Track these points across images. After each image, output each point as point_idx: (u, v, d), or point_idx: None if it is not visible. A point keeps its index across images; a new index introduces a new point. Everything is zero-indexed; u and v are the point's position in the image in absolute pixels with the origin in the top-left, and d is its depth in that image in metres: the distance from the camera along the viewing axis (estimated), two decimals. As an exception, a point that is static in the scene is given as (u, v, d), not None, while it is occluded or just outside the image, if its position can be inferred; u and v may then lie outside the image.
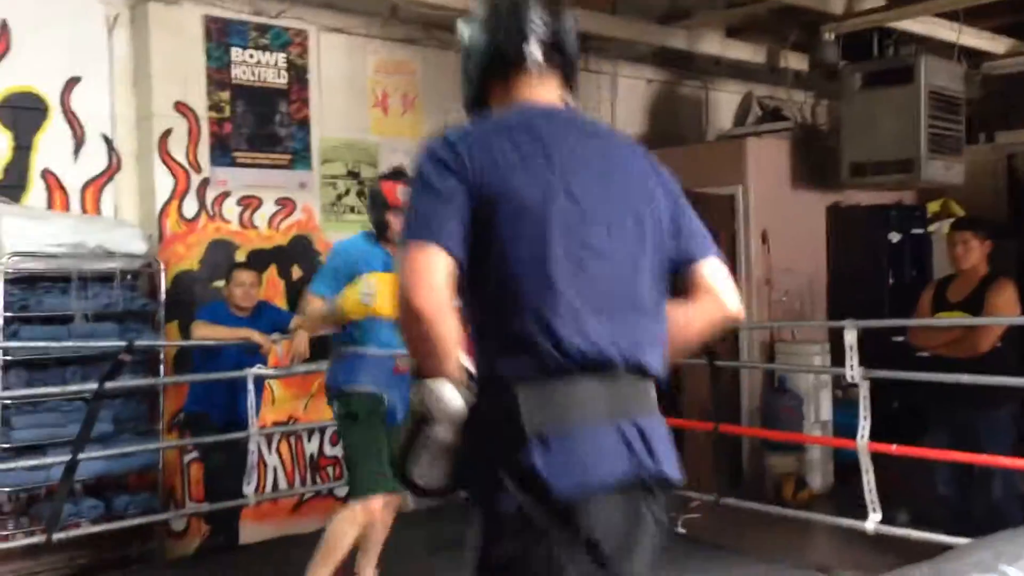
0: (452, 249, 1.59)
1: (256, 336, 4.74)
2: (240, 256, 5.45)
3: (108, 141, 5.19)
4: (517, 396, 1.58)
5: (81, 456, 4.07)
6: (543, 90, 1.79)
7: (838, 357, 6.11)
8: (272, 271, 5.61)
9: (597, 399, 1.61)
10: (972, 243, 4.69)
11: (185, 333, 5.08)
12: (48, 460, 4.29)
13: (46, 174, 4.98)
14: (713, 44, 7.04)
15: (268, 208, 5.65)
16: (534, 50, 1.76)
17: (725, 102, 7.95)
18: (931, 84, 6.54)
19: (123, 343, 4.29)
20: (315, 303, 3.60)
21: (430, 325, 1.55)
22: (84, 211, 5.08)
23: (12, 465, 4.23)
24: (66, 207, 5.03)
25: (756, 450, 6.76)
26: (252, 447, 4.68)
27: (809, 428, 6.60)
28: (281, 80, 5.71)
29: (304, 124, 5.81)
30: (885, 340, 6.00)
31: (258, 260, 5.49)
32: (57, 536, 4.11)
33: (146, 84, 5.22)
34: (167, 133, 5.23)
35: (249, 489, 4.66)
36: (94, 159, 5.13)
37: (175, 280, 5.21)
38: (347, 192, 6.03)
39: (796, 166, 7.18)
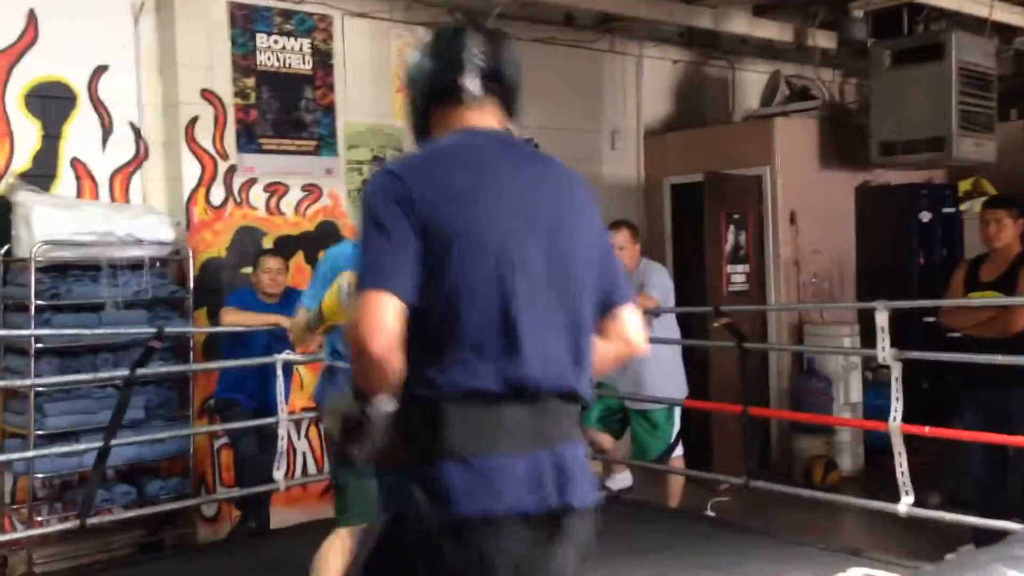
0: (404, 293, 1.66)
1: (285, 322, 4.77)
2: (267, 242, 5.48)
3: (136, 129, 5.21)
4: (444, 415, 1.65)
5: (113, 442, 4.11)
6: (482, 117, 1.85)
7: (867, 339, 6.08)
8: (299, 257, 5.63)
9: (521, 427, 1.68)
10: (1005, 221, 4.62)
11: (214, 320, 5.11)
12: (81, 446, 4.34)
13: (75, 163, 5.02)
14: (740, 23, 6.97)
15: (294, 194, 5.67)
16: (470, 81, 1.81)
17: (752, 82, 7.87)
18: (962, 60, 6.44)
19: (153, 330, 4.32)
20: (300, 313, 3.43)
21: (380, 365, 1.63)
22: (113, 199, 5.12)
23: (46, 452, 4.28)
24: (95, 195, 5.07)
25: (784, 433, 6.73)
26: (281, 432, 4.70)
27: (838, 410, 6.56)
28: (306, 66, 5.72)
29: (329, 110, 5.81)
30: (915, 321, 5.95)
31: (285, 246, 5.51)
32: (90, 521, 4.16)
33: (172, 72, 5.24)
34: (194, 120, 5.25)
35: (279, 474, 4.69)
36: (122, 147, 5.17)
37: (203, 267, 5.25)
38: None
39: (824, 146, 7.11)
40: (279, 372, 4.69)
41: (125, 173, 5.18)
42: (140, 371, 4.17)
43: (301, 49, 5.69)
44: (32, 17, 4.86)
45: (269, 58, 5.57)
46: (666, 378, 5.15)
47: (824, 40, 7.24)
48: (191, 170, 5.25)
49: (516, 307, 1.69)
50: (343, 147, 5.89)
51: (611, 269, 1.91)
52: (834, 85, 7.88)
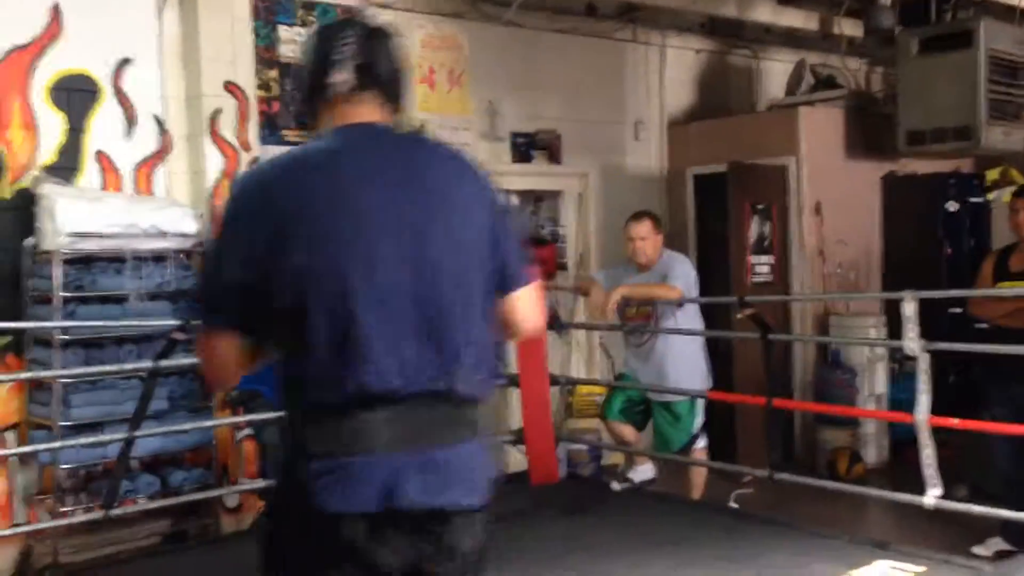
0: (240, 324, 1.77)
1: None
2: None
3: (159, 122, 5.24)
4: (304, 420, 1.73)
5: (137, 433, 4.13)
6: (360, 111, 1.86)
7: (893, 330, 6.02)
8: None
9: (383, 430, 1.70)
10: (1034, 211, 4.56)
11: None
12: (105, 437, 4.36)
13: (99, 155, 5.05)
14: (764, 11, 6.90)
15: (316, 186, 5.66)
16: (343, 76, 1.84)
17: (776, 71, 7.80)
18: (991, 48, 6.35)
19: (177, 322, 4.34)
20: None
21: (224, 386, 1.90)
22: (136, 192, 5.15)
23: (71, 442, 4.31)
24: (119, 188, 5.10)
25: (808, 425, 6.68)
26: (304, 423, 4.71)
27: (863, 402, 6.51)
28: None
29: (351, 101, 5.80)
30: (941, 312, 5.88)
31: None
32: (114, 512, 4.18)
33: (195, 64, 5.25)
34: (217, 113, 5.26)
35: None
36: (146, 140, 5.19)
37: (226, 259, 5.26)
38: (394, 169, 6.03)
39: (850, 135, 7.04)
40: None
41: (149, 166, 5.21)
42: (164, 362, 4.19)
43: (323, 41, 5.69)
44: (56, 11, 4.88)
45: (292, 50, 5.57)
46: (689, 370, 5.13)
47: (850, 28, 7.16)
48: (214, 162, 5.27)
49: (363, 311, 1.70)
50: (365, 139, 5.88)
51: (503, 252, 1.88)
52: (860, 74, 7.79)
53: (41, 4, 4.85)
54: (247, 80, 5.39)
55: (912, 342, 4.14)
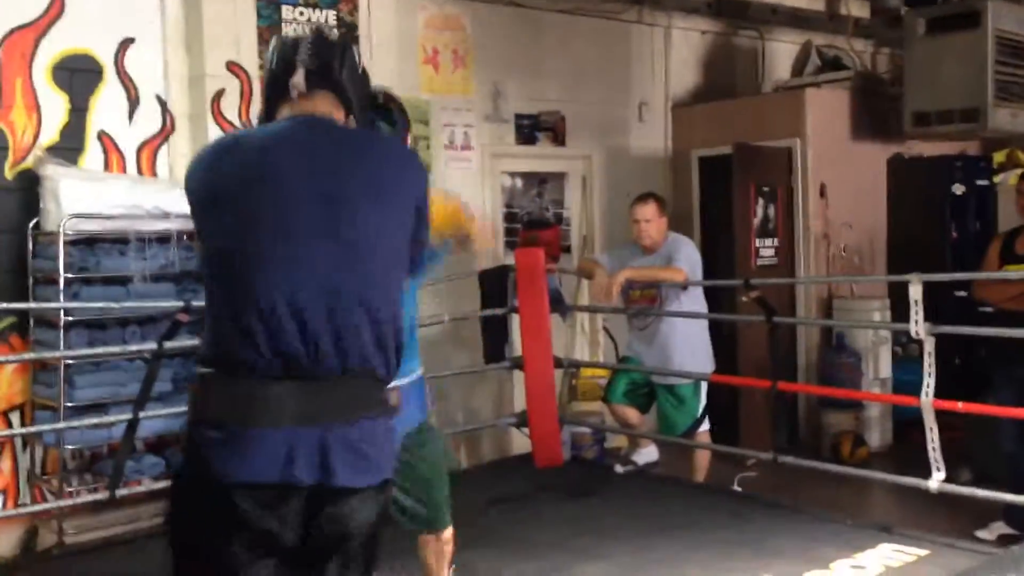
0: None
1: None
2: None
3: (162, 102, 5.21)
4: (209, 386, 1.80)
5: (142, 414, 4.13)
6: (315, 106, 1.99)
7: (898, 313, 6.00)
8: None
9: (282, 402, 1.73)
10: (1041, 194, 4.54)
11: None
12: (110, 418, 4.37)
13: (102, 136, 5.02)
14: (770, -8, 6.85)
15: (320, 167, 5.64)
16: (298, 78, 1.98)
17: (782, 52, 7.75)
18: (998, 29, 6.31)
19: (180, 303, 4.33)
20: None
21: None
22: (140, 173, 5.12)
23: (75, 423, 4.32)
24: (122, 169, 5.08)
25: (812, 408, 6.68)
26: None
27: (868, 385, 6.50)
28: (332, 38, 5.67)
29: (354, 82, 5.77)
30: (946, 295, 5.87)
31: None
32: (119, 492, 4.20)
33: (198, 44, 5.22)
34: (220, 93, 5.23)
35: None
36: (148, 120, 5.16)
37: (230, 240, 5.24)
38: (398, 150, 6.00)
39: (856, 117, 7.00)
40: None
41: (152, 146, 5.18)
42: (168, 344, 4.19)
43: (327, 21, 5.65)
44: (58, -10, 4.85)
45: (295, 30, 5.53)
46: (693, 352, 5.12)
47: (856, 9, 7.11)
48: (217, 143, 5.24)
49: (270, 285, 1.75)
50: (369, 120, 5.85)
51: (414, 245, 1.97)
52: (866, 55, 7.74)
53: (43, -17, 4.82)
54: (250, 60, 5.35)
55: (918, 325, 4.13)
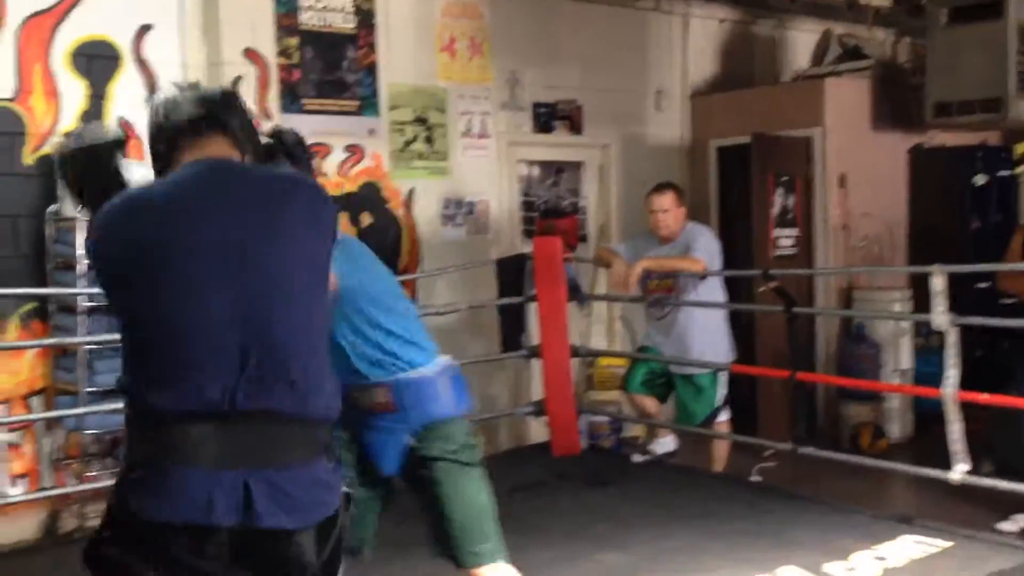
0: None
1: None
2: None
3: (180, 89, 5.20)
4: (135, 429, 1.82)
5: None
6: (210, 148, 1.97)
7: (919, 304, 5.96)
8: (343, 218, 5.62)
9: (202, 445, 1.73)
10: (1066, 185, 4.49)
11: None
12: (128, 404, 4.38)
13: (121, 122, 5.02)
14: (790, -20, 6.80)
15: (337, 155, 5.64)
16: (184, 123, 1.98)
17: (802, 41, 7.69)
18: (1021, 19, 6.24)
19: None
20: None
21: None
22: (158, 159, 5.13)
23: (96, 408, 4.33)
24: (141, 155, 5.07)
25: (831, 399, 6.65)
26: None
27: (887, 376, 6.46)
28: (348, 25, 5.67)
29: (371, 70, 5.76)
30: (968, 287, 5.82)
31: (328, 207, 5.50)
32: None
33: (215, 31, 5.21)
34: (237, 80, 5.22)
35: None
36: (167, 107, 5.16)
37: (247, 227, 5.24)
38: (415, 139, 5.99)
39: (876, 107, 6.94)
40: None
41: (170, 133, 5.18)
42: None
43: (344, 8, 5.64)
44: (77, -24, 4.85)
45: (312, 17, 5.52)
46: (711, 342, 5.09)
47: (878, -3, 7.05)
48: (235, 130, 5.24)
49: (187, 333, 1.76)
50: (385, 108, 5.85)
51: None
52: (887, 44, 7.67)
53: (62, -31, 4.82)
54: (267, 47, 5.35)
55: (940, 316, 4.10)
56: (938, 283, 4.09)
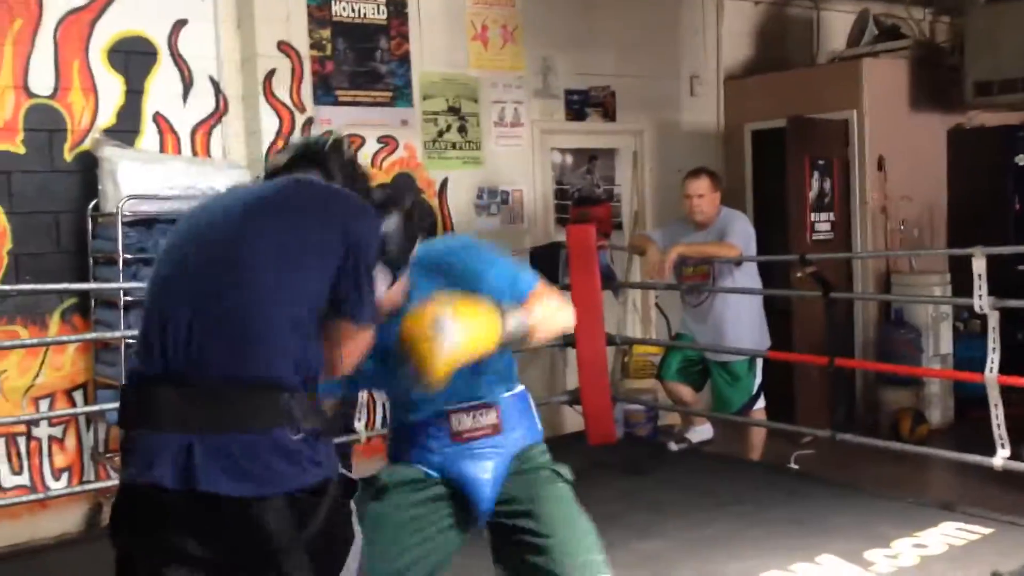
0: None
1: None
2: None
3: (215, 83, 5.25)
4: (121, 394, 1.91)
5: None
6: None
7: (958, 288, 5.87)
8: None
9: (164, 409, 1.79)
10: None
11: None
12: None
13: (157, 117, 5.08)
14: (825, -39, 6.71)
15: (371, 146, 5.67)
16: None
17: (838, 22, 7.58)
18: (1064, -6, 6.11)
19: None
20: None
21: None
22: (194, 153, 5.18)
23: (137, 401, 4.39)
24: (177, 150, 5.14)
25: (870, 385, 6.58)
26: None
27: (927, 362, 6.38)
28: (380, 15, 5.68)
29: (404, 60, 5.77)
30: (1009, 269, 5.73)
31: (363, 199, 5.52)
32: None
33: (249, 25, 5.25)
34: (271, 73, 5.26)
35: (360, 425, 4.75)
36: (202, 102, 5.21)
37: (283, 220, 5.28)
38: (448, 128, 6.00)
39: (915, 87, 6.84)
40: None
41: (206, 127, 5.23)
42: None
43: (376, -1, 5.65)
44: (112, -27, 4.90)
45: (344, 9, 5.54)
46: (747, 329, 5.06)
47: (915, -24, 6.94)
48: (269, 123, 5.28)
49: (165, 304, 1.84)
50: (418, 98, 5.86)
51: (346, 283, 1.91)
52: (925, 24, 7.54)
53: (97, -34, 4.87)
54: (300, 40, 5.38)
55: (982, 299, 4.04)
56: (979, 265, 4.03)
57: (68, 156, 4.81)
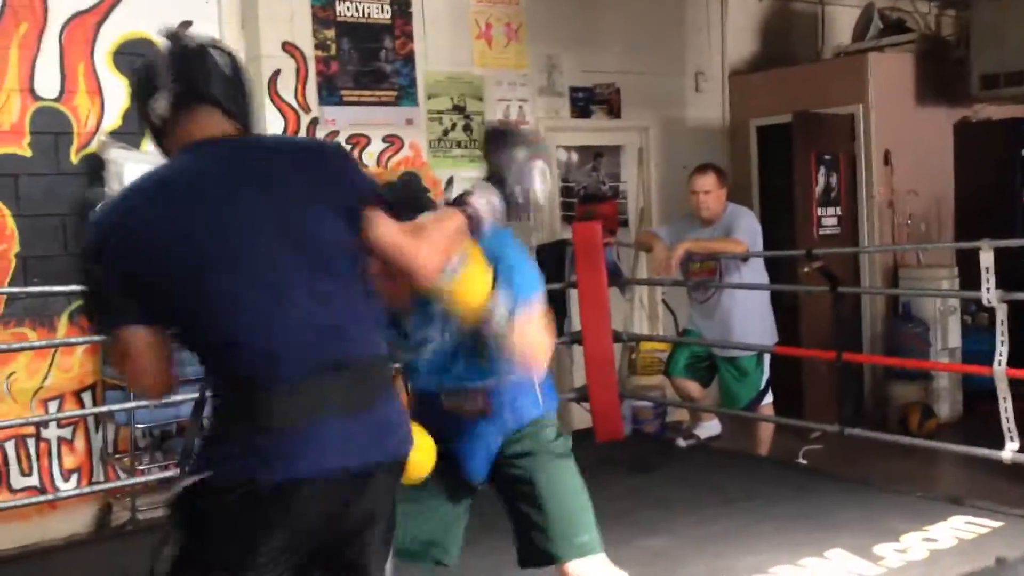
0: (139, 320, 1.85)
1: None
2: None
3: (219, 84, 5.25)
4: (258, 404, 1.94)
5: (208, 393, 4.19)
6: (201, 125, 1.93)
7: (966, 282, 5.85)
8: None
9: (328, 397, 1.88)
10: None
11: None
12: (178, 397, 4.42)
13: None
14: (830, -45, 6.69)
15: (376, 146, 5.67)
16: (163, 103, 1.93)
17: (843, 16, 7.57)
18: (1071, -15, 6.09)
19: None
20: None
21: (148, 390, 2.04)
22: (200, 155, 5.19)
23: (145, 403, 4.40)
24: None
25: (878, 380, 6.57)
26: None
27: (936, 356, 6.36)
28: (385, 15, 5.68)
29: (409, 59, 5.78)
30: (1016, 262, 5.70)
31: (368, 198, 5.53)
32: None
33: (254, 25, 5.26)
34: (276, 74, 5.27)
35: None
36: (207, 103, 5.21)
37: (289, 220, 5.29)
38: (453, 127, 6.00)
39: (921, 81, 6.82)
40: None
41: (211, 128, 5.24)
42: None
43: (379, -2, 5.66)
44: (116, -25, 4.91)
45: (348, 8, 5.55)
46: (755, 324, 5.05)
47: (920, -31, 6.92)
48: (274, 124, 5.29)
49: (250, 315, 1.83)
50: (423, 97, 5.86)
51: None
52: (931, 17, 7.52)
53: (102, -31, 4.88)
54: (305, 40, 5.38)
55: (990, 293, 4.03)
56: (987, 258, 4.02)
57: (74, 159, 4.83)
